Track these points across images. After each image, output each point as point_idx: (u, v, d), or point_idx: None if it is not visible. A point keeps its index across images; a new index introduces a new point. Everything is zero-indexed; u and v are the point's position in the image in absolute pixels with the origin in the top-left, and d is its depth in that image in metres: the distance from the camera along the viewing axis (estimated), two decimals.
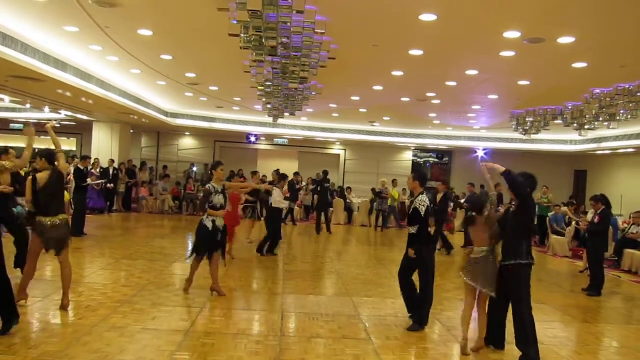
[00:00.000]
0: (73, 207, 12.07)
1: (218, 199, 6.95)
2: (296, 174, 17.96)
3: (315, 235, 14.90)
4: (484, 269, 5.27)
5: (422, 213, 6.05)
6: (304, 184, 18.72)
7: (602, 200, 9.12)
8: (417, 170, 5.89)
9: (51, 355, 4.60)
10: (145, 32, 8.58)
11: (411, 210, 6.20)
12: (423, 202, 6.11)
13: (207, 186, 7.04)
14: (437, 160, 24.72)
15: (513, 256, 5.12)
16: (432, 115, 16.46)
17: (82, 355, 4.64)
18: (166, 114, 18.82)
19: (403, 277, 6.30)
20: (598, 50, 8.11)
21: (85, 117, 18.19)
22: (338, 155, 24.52)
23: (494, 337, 5.41)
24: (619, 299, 9.01)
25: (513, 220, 5.29)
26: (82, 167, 12.20)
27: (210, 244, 6.96)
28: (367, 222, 18.67)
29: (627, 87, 9.55)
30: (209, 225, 6.88)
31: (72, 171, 11.96)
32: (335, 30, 7.53)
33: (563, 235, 13.98)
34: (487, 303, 5.44)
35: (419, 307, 6.20)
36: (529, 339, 4.95)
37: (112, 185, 16.69)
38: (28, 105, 17.10)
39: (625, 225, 13.07)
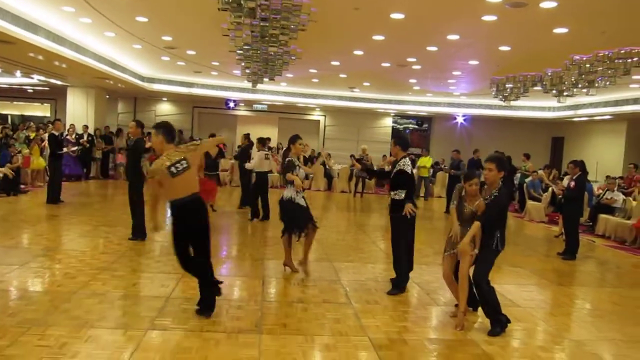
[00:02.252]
0: (48, 174, 11.87)
1: (300, 173, 6.66)
2: (267, 139, 17.92)
3: None
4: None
5: (410, 172, 6.05)
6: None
7: (580, 166, 9.23)
8: (398, 135, 5.77)
9: (30, 322, 4.55)
10: None
11: (394, 174, 6.12)
12: (407, 164, 6.09)
13: (287, 159, 6.73)
14: (416, 126, 24.77)
15: (485, 244, 5.01)
16: (412, 81, 16.40)
17: (61, 322, 4.60)
18: (142, 78, 18.44)
19: (400, 248, 6.23)
20: (579, 15, 8.10)
21: (59, 82, 17.76)
22: (318, 122, 24.41)
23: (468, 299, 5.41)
24: (593, 262, 9.22)
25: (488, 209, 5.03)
26: (56, 133, 11.87)
27: (303, 220, 6.66)
28: (347, 188, 18.71)
29: (607, 53, 9.58)
30: (302, 202, 6.62)
31: (46, 137, 11.67)
32: None
33: (539, 200, 14.20)
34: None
35: (401, 270, 6.23)
36: (495, 308, 5.02)
37: (87, 144, 16.42)
38: None
39: (600, 191, 13.31)
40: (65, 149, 12.53)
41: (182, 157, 4.79)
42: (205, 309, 5.00)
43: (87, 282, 5.82)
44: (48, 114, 23.86)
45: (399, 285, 6.24)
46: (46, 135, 11.95)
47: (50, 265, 6.50)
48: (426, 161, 16.97)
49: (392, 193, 6.18)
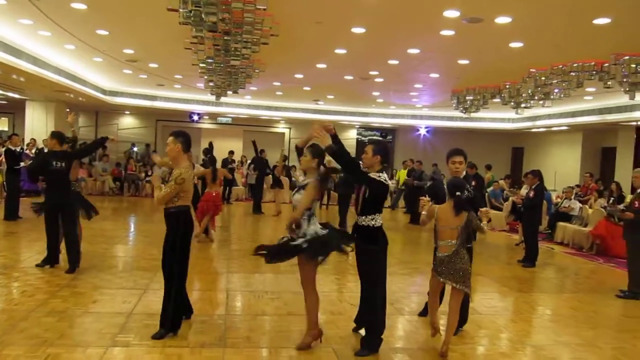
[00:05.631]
0: (6, 189, 11.57)
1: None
2: (230, 152, 17.93)
3: (261, 214, 14.86)
4: (455, 265, 4.66)
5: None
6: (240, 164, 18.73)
7: (538, 176, 9.51)
8: (378, 142, 4.85)
9: None
10: (79, 6, 8.20)
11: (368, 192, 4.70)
12: (384, 179, 4.75)
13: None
14: (380, 138, 25.01)
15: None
16: (376, 93, 16.61)
17: (18, 342, 4.48)
18: (104, 92, 18.16)
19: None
20: (532, 30, 8.37)
21: (17, 96, 17.32)
22: (283, 134, 24.42)
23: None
24: (552, 269, 9.46)
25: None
26: (13, 148, 11.60)
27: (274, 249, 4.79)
28: None
29: (561, 67, 9.91)
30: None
31: (3, 152, 11.39)
32: (277, 7, 7.42)
33: (500, 209, 14.50)
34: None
35: (370, 324, 4.82)
36: None
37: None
38: None
39: (558, 200, 13.68)
40: (22, 164, 12.22)
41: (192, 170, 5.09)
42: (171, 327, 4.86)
43: (46, 300, 5.69)
44: (6, 128, 23.19)
45: (372, 344, 4.76)
46: (2, 150, 11.65)
47: (7, 284, 6.34)
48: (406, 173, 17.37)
49: (363, 218, 4.72)
